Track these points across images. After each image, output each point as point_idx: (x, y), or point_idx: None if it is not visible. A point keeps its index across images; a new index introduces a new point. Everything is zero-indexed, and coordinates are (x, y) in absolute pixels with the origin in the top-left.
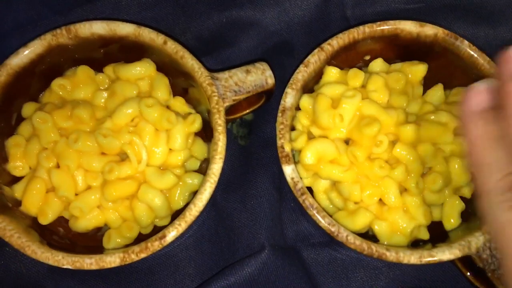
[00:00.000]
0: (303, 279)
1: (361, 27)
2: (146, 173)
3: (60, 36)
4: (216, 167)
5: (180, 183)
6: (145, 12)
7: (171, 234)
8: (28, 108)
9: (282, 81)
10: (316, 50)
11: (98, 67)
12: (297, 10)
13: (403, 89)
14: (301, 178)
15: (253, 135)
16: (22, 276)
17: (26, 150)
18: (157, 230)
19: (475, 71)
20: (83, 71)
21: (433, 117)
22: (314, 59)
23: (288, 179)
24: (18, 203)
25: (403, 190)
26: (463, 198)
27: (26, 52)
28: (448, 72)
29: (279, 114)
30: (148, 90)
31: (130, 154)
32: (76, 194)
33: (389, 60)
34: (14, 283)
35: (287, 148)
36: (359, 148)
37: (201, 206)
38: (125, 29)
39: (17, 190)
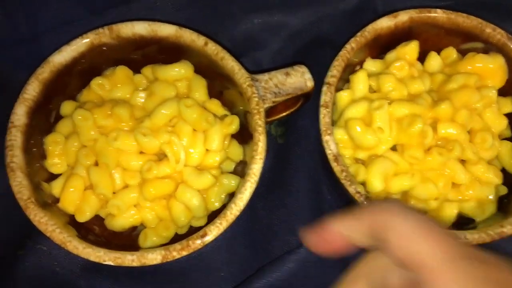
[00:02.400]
0: (341, 275)
1: (351, 40)
2: (184, 173)
3: (103, 36)
4: (256, 167)
5: (217, 184)
6: (179, 13)
7: (213, 233)
8: (67, 106)
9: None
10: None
11: (135, 68)
12: (327, 11)
13: (409, 73)
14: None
15: (289, 131)
16: (56, 275)
17: (64, 147)
18: (192, 230)
19: (455, 29)
20: (122, 71)
21: (452, 85)
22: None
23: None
24: (56, 200)
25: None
26: None
27: (69, 50)
28: (433, 41)
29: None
30: (186, 92)
31: (169, 154)
32: (114, 193)
33: None
34: (47, 281)
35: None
36: (412, 148)
37: (241, 205)
38: (166, 30)
39: (55, 187)
